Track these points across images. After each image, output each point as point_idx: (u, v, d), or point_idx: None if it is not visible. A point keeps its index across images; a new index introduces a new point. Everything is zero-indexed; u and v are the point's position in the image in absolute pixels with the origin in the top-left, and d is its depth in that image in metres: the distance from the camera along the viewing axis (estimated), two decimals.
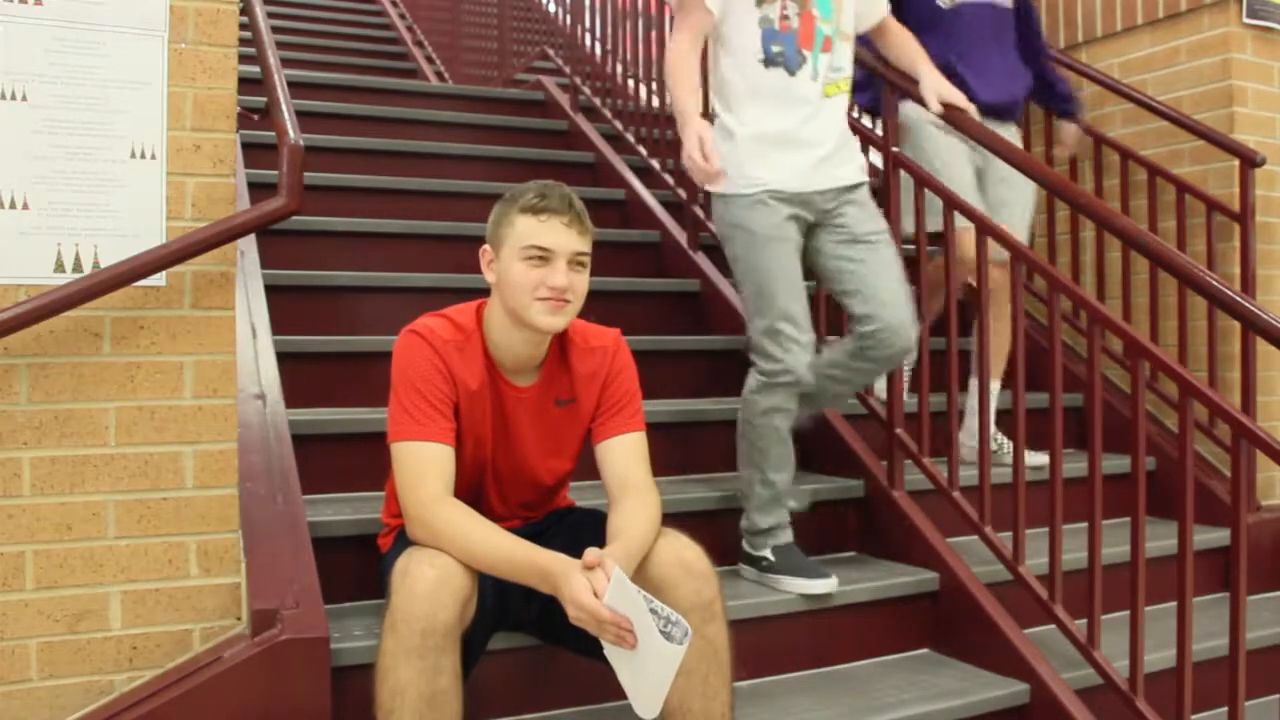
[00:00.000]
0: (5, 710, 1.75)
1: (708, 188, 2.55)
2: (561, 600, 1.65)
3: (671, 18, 3.92)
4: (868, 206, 2.52)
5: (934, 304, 2.96)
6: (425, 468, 1.77)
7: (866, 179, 2.55)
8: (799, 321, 2.39)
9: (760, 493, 2.45)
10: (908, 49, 2.70)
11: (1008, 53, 3.16)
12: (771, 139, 2.42)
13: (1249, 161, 3.15)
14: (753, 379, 2.46)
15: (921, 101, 2.67)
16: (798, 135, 2.42)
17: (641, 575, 1.74)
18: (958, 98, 2.62)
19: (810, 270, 2.50)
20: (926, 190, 2.73)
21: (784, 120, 2.42)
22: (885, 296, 2.40)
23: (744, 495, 2.50)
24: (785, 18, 2.40)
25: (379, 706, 1.66)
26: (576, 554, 1.68)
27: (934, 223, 2.71)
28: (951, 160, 2.96)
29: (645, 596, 1.62)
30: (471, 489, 1.93)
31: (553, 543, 1.81)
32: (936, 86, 2.63)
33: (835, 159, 2.47)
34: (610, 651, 1.68)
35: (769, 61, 2.41)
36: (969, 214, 2.66)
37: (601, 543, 1.76)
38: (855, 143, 2.59)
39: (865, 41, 2.73)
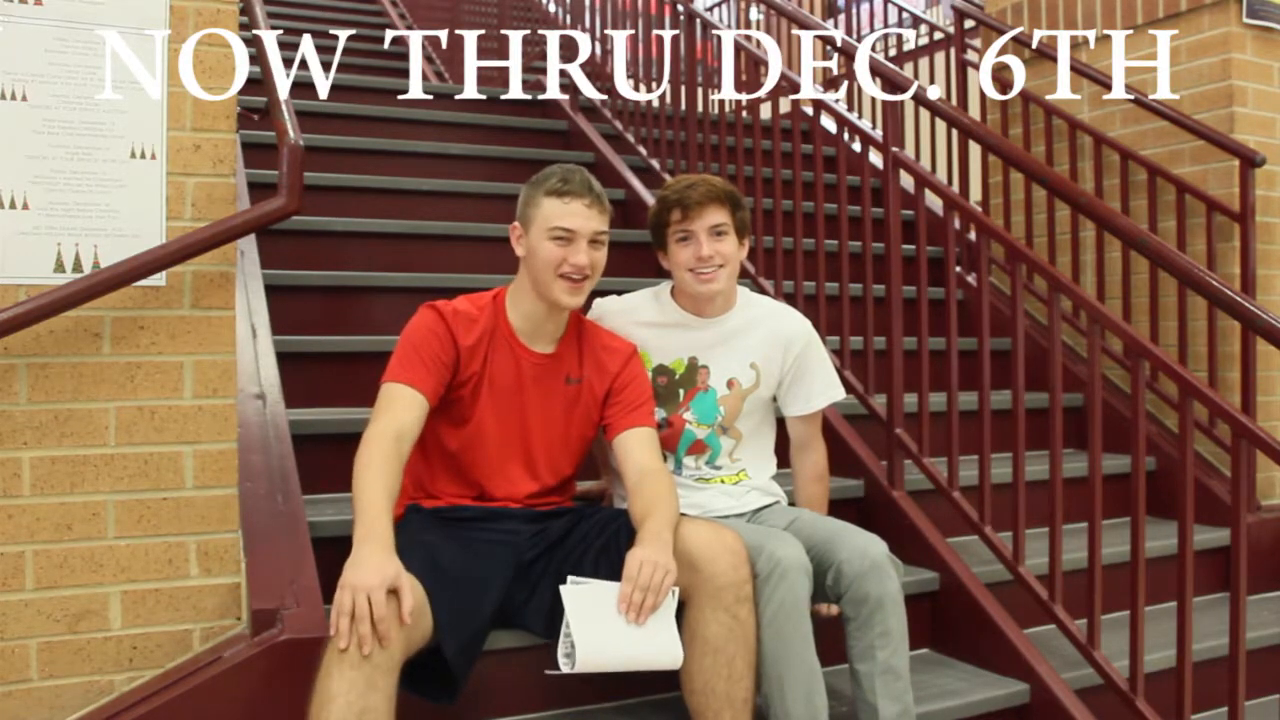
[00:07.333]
0: (5, 710, 1.75)
1: None
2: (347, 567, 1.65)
3: (672, 18, 3.95)
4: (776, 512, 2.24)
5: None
6: (388, 406, 1.90)
7: (768, 502, 2.28)
8: None
9: None
10: (807, 490, 2.33)
11: None
12: None
13: (1249, 161, 3.15)
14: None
15: None
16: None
17: (679, 551, 1.83)
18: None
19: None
20: None
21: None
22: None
23: None
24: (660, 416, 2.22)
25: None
26: (608, 542, 1.94)
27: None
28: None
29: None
30: (481, 464, 2.02)
31: (576, 532, 2.01)
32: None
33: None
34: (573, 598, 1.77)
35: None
36: (964, 208, 2.66)
37: (630, 535, 1.87)
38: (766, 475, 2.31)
39: None
